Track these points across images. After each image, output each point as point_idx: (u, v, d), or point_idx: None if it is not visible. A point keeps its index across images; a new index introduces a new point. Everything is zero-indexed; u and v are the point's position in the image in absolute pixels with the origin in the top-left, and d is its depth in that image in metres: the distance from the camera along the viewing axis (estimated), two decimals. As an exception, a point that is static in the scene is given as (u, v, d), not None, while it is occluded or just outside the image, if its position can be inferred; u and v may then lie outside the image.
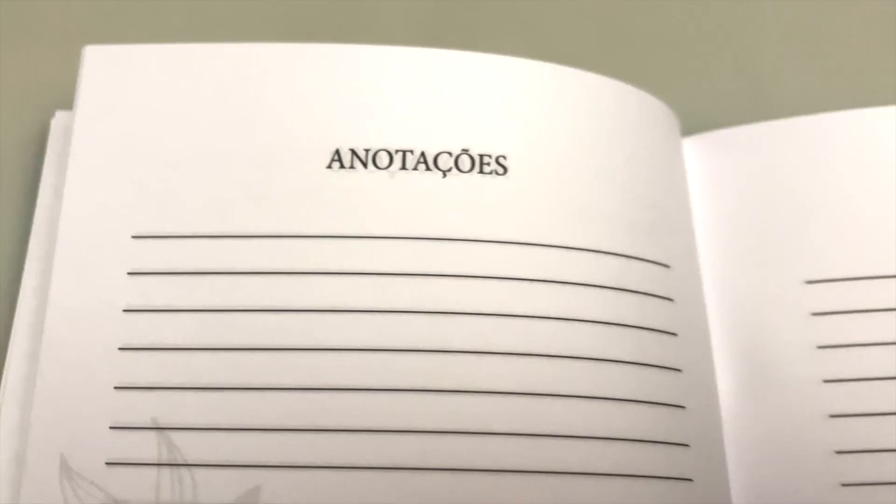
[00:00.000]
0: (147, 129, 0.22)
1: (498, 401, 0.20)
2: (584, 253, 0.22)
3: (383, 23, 0.28)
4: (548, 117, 0.23)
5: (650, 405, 0.21)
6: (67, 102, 0.23)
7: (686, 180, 0.25)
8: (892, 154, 0.25)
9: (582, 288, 0.21)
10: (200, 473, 0.20)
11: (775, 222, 0.25)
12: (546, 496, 0.19)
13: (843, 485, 0.22)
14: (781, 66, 0.29)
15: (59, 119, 0.24)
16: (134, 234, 0.21)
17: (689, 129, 0.26)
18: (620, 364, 0.21)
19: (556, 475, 0.20)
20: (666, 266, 0.23)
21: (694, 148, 0.26)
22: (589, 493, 0.20)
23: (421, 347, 0.20)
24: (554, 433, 0.20)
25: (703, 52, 0.29)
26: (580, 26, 0.30)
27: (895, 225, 0.24)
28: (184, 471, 0.20)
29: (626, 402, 0.21)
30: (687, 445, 0.21)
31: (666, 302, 0.22)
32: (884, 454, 0.22)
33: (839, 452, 0.22)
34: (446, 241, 0.21)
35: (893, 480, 0.22)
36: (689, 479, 0.21)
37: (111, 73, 0.23)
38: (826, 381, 0.23)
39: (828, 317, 0.24)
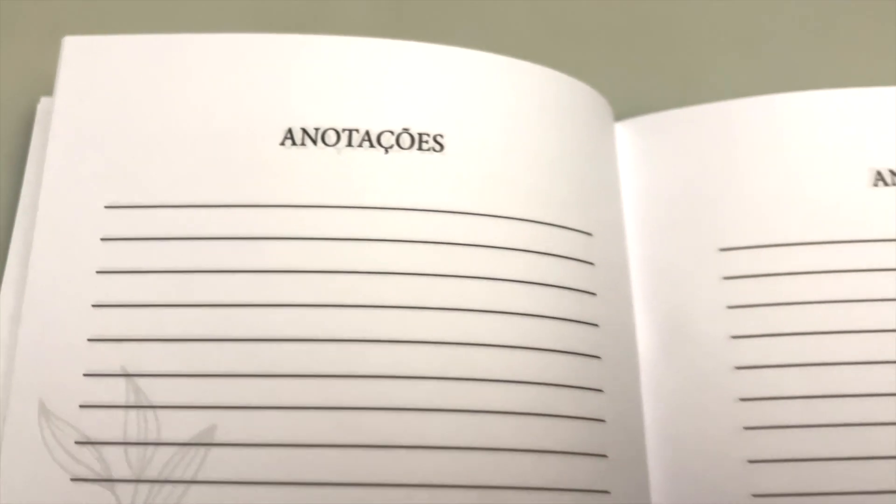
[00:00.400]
0: (119, 112, 0.25)
1: (431, 349, 0.23)
2: (511, 221, 0.24)
3: (341, 17, 0.30)
4: (482, 101, 0.25)
5: (567, 355, 0.23)
6: (52, 89, 0.26)
7: (615, 160, 0.28)
8: (796, 136, 0.27)
9: (509, 251, 0.24)
10: (163, 414, 0.22)
11: (694, 197, 0.27)
12: (472, 432, 0.22)
13: (746, 428, 0.24)
14: (708, 57, 0.31)
15: (43, 104, 0.26)
16: (106, 205, 0.24)
17: (622, 114, 0.29)
18: (541, 318, 0.23)
19: (480, 413, 0.22)
20: (588, 234, 0.25)
21: (626, 131, 0.29)
22: (509, 430, 0.22)
23: (361, 303, 0.23)
24: (480, 377, 0.22)
25: (637, 45, 0.32)
26: (529, 22, 0.32)
27: (799, 199, 0.26)
28: (148, 412, 0.22)
29: (546, 352, 0.23)
30: (601, 391, 0.23)
31: (587, 265, 0.25)
32: (785, 401, 0.25)
33: (743, 400, 0.25)
34: (387, 210, 0.24)
35: (790, 424, 0.24)
36: (602, 420, 0.23)
37: (87, 61, 0.25)
38: (733, 337, 0.25)
39: (737, 280, 0.26)
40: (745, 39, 0.32)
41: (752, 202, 0.27)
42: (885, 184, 0.27)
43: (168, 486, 0.22)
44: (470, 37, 0.29)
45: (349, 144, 0.24)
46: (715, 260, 0.26)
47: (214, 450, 0.22)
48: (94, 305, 0.23)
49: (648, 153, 0.28)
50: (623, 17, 0.32)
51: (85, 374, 0.22)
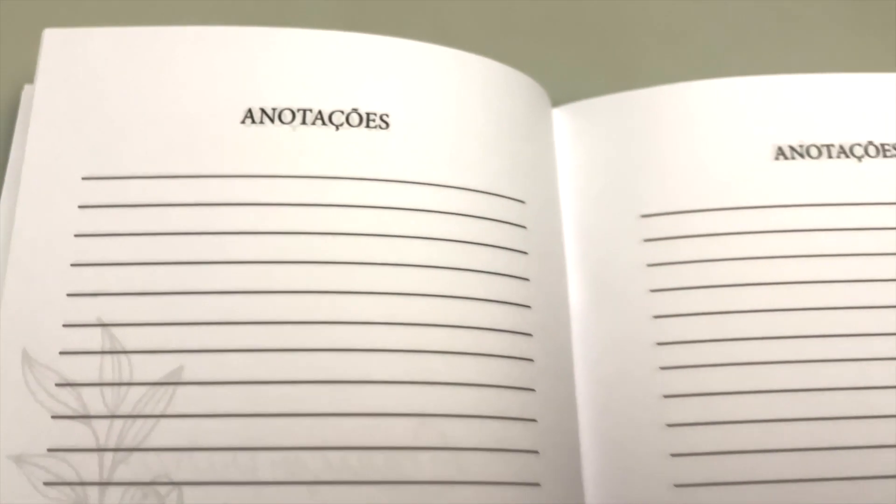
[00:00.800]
0: (94, 95, 0.27)
1: (377, 299, 0.25)
2: (449, 189, 0.27)
3: (304, 13, 0.33)
4: (424, 86, 0.28)
5: (499, 304, 0.26)
6: (34, 77, 0.28)
7: (551, 139, 0.31)
8: (709, 117, 0.30)
9: (447, 216, 0.27)
10: (135, 358, 0.25)
11: (621, 171, 0.30)
12: (412, 369, 0.25)
13: (662, 368, 0.27)
14: (639, 49, 0.35)
15: (27, 91, 0.29)
16: (83, 176, 0.26)
17: (561, 100, 0.32)
18: (476, 273, 0.26)
19: (421, 353, 0.25)
20: (521, 201, 0.28)
21: (563, 115, 0.32)
22: (446, 368, 0.25)
23: (313, 260, 0.26)
24: (420, 323, 0.25)
25: (575, 39, 0.35)
26: (480, 18, 0.35)
27: (711, 171, 0.29)
28: (122, 356, 0.25)
29: (480, 301, 0.26)
30: (530, 335, 0.26)
31: (519, 228, 0.27)
32: (697, 344, 0.27)
33: (660, 344, 0.28)
34: (336, 179, 0.27)
35: (704, 363, 0.27)
36: (531, 360, 0.26)
37: (66, 52, 0.28)
38: (652, 291, 0.28)
39: (655, 242, 0.29)
40: (674, 31, 0.35)
41: (670, 175, 0.30)
42: (786, 158, 0.30)
43: (139, 421, 0.24)
44: (421, 30, 0.32)
45: (303, 122, 0.27)
46: (637, 225, 0.29)
47: (181, 388, 0.24)
48: (72, 265, 0.25)
49: (582, 134, 0.31)
50: (564, 15, 0.35)
51: (64, 325, 0.25)
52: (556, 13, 0.36)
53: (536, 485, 0.25)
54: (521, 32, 0.35)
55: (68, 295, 0.25)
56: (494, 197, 0.27)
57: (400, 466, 0.24)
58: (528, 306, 0.27)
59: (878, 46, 0.35)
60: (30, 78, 0.29)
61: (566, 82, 0.33)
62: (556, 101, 0.32)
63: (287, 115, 0.27)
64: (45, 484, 0.24)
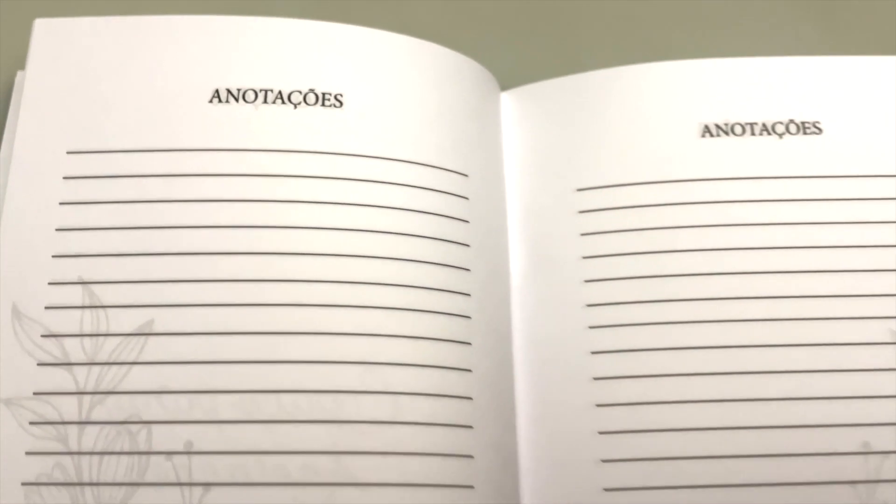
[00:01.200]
0: (79, 78, 0.30)
1: (329, 260, 0.28)
2: (396, 162, 0.30)
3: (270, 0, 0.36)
4: (375, 69, 0.31)
5: (440, 266, 0.29)
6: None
7: (497, 120, 0.33)
8: (641, 98, 0.33)
9: (394, 186, 0.29)
10: (111, 312, 0.28)
11: (560, 149, 0.33)
12: (360, 322, 0.27)
13: (591, 327, 0.30)
14: (585, 36, 0.37)
15: (20, 77, 0.32)
16: (68, 150, 0.29)
17: (510, 84, 0.35)
18: (420, 238, 0.29)
19: (367, 308, 0.28)
20: (464, 175, 0.31)
21: (510, 98, 0.34)
22: (390, 321, 0.28)
23: (274, 224, 0.28)
24: (367, 281, 0.28)
25: (526, 29, 0.37)
26: (439, 8, 0.38)
27: (643, 148, 0.32)
28: (100, 311, 0.28)
29: (422, 263, 0.29)
30: (469, 295, 0.29)
31: (461, 199, 0.30)
32: (624, 305, 0.30)
33: (589, 305, 0.30)
34: (294, 153, 0.29)
35: (630, 322, 0.30)
36: (468, 317, 0.29)
37: (54, 40, 0.31)
38: (584, 258, 0.31)
39: (589, 213, 0.32)
40: (616, 18, 0.37)
41: (604, 152, 0.32)
42: (712, 135, 0.32)
43: (114, 368, 0.27)
44: (379, 19, 0.34)
45: (265, 102, 0.30)
46: (573, 198, 0.32)
47: (151, 338, 0.27)
48: (57, 230, 0.28)
49: (528, 115, 0.34)
50: (516, 5, 0.38)
51: (49, 283, 0.28)
52: (508, 4, 0.38)
53: (470, 427, 0.28)
54: (475, 22, 0.37)
55: (53, 256, 0.28)
56: (438, 170, 0.30)
57: (345, 408, 0.27)
58: (468, 269, 0.29)
59: (805, 31, 0.37)
60: (23, 65, 0.32)
61: (515, 68, 0.36)
62: (506, 86, 0.35)
63: (250, 95, 0.30)
64: (31, 423, 0.27)
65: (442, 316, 0.28)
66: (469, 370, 0.28)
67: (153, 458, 0.26)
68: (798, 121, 0.33)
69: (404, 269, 0.28)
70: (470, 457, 0.27)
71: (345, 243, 0.28)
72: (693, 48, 0.36)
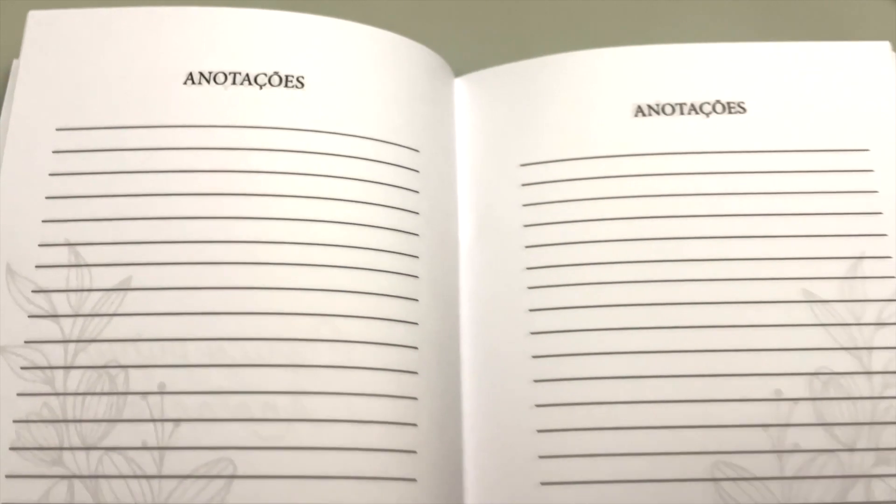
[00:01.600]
0: (68, 64, 0.34)
1: (289, 224, 0.31)
2: (352, 137, 0.33)
3: None
4: (334, 54, 0.34)
5: (390, 230, 0.32)
6: (20, 52, 0.35)
7: (449, 102, 0.36)
8: (579, 82, 0.36)
9: (350, 159, 0.33)
10: (94, 270, 0.31)
11: (506, 128, 0.36)
12: (317, 278, 0.31)
13: (530, 288, 0.33)
14: (536, 25, 0.40)
15: (15, 64, 0.35)
16: (57, 128, 0.33)
17: (464, 71, 0.38)
18: (373, 205, 0.32)
19: (321, 267, 0.31)
20: (415, 150, 0.34)
21: (463, 84, 0.37)
22: (342, 278, 0.31)
23: (241, 192, 0.32)
24: (323, 243, 0.31)
25: (479, 19, 0.41)
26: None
27: (577, 127, 0.35)
28: (83, 269, 0.31)
29: (374, 228, 0.32)
30: (417, 257, 0.32)
31: (412, 172, 0.33)
32: (562, 268, 0.33)
33: (529, 269, 0.33)
34: (260, 129, 0.33)
35: (569, 283, 0.33)
36: (416, 276, 0.32)
37: (46, 30, 0.34)
38: (525, 226, 0.34)
39: (531, 186, 0.35)
40: (564, 7, 0.40)
41: (546, 130, 0.35)
42: (644, 115, 0.35)
43: (96, 319, 0.30)
44: (342, 9, 0.37)
45: (234, 83, 0.33)
46: (517, 172, 0.35)
47: (130, 293, 0.30)
48: (46, 198, 0.32)
49: (479, 98, 0.37)
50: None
51: (39, 245, 0.31)
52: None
53: (415, 373, 0.31)
54: (435, 14, 0.41)
55: (43, 221, 0.31)
56: (391, 145, 0.33)
57: (302, 354, 0.30)
58: (417, 234, 0.32)
59: (740, 19, 0.40)
60: (18, 53, 0.35)
61: (469, 56, 0.39)
62: (461, 72, 0.38)
63: (221, 77, 0.33)
64: (22, 368, 0.30)
65: (391, 275, 0.31)
66: (416, 323, 0.31)
67: (129, 397, 0.29)
68: (724, 101, 0.36)
69: (358, 233, 0.32)
70: (414, 398, 0.30)
71: (304, 209, 0.32)
72: (633, 35, 0.39)
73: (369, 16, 0.36)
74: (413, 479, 0.29)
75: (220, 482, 0.28)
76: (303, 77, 0.34)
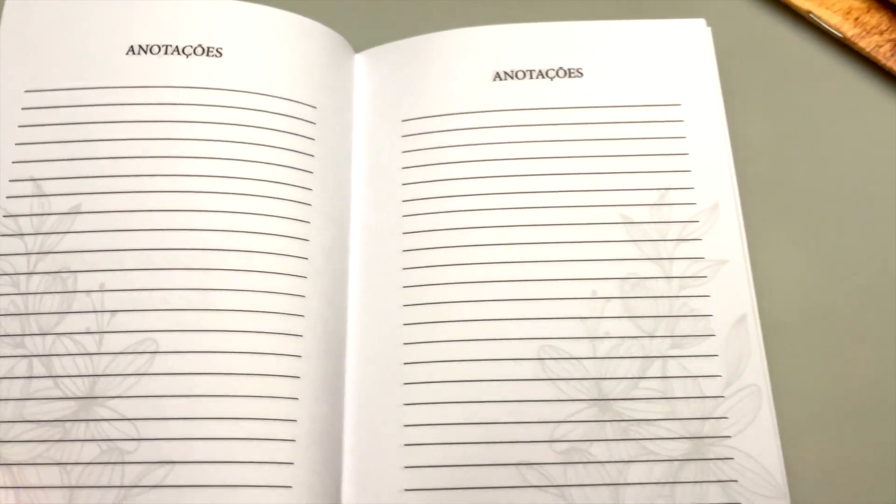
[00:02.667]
0: (34, 38, 0.42)
1: (209, 162, 0.39)
2: (259, 95, 0.41)
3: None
4: (246, 30, 0.43)
5: (287, 168, 0.40)
6: (-3, 33, 0.43)
7: (349, 73, 0.45)
8: (436, 57, 0.44)
9: (258, 112, 0.41)
10: (52, 199, 0.39)
11: (394, 91, 0.44)
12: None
13: (405, 216, 0.41)
14: (424, 7, 0.48)
15: (-7, 43, 0.44)
16: (26, 90, 0.41)
17: (364, 47, 0.46)
18: (274, 148, 0.40)
19: (229, 195, 0.39)
20: (313, 106, 0.42)
21: (362, 58, 0.46)
22: (245, 203, 0.39)
23: (169, 137, 0.40)
24: (233, 176, 0.39)
25: (380, 2, 0.49)
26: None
27: (451, 86, 0.43)
28: (43, 198, 0.39)
29: (274, 166, 0.40)
30: (311, 189, 0.40)
31: (309, 124, 0.42)
32: (432, 200, 0.41)
33: (405, 201, 0.41)
34: (188, 89, 0.41)
35: (436, 211, 0.41)
36: (310, 204, 0.40)
37: (19, 13, 0.43)
38: (403, 168, 0.42)
39: (410, 137, 0.43)
40: None
41: (424, 92, 0.44)
42: (501, 79, 0.44)
43: (53, 236, 0.39)
44: None
45: (166, 53, 0.42)
46: (399, 126, 0.43)
47: (79, 216, 0.39)
48: (16, 144, 0.40)
49: (372, 69, 0.45)
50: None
51: (10, 180, 0.40)
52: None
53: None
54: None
55: (13, 162, 0.40)
56: (290, 102, 0.42)
57: (209, 258, 0.38)
58: (311, 172, 0.41)
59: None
60: (-3, 34, 0.44)
61: (369, 34, 0.47)
62: (361, 48, 0.46)
63: (156, 49, 0.42)
64: (-5, 275, 0.38)
65: (286, 202, 0.40)
66: (307, 240, 0.39)
67: (77, 295, 0.38)
68: (566, 68, 0.44)
69: (262, 169, 0.40)
70: (302, 296, 0.38)
71: (220, 149, 0.40)
72: (500, 16, 0.47)
73: (286, 0, 0.45)
74: (298, 356, 0.37)
75: (146, 356, 0.37)
76: (221, 48, 0.42)
